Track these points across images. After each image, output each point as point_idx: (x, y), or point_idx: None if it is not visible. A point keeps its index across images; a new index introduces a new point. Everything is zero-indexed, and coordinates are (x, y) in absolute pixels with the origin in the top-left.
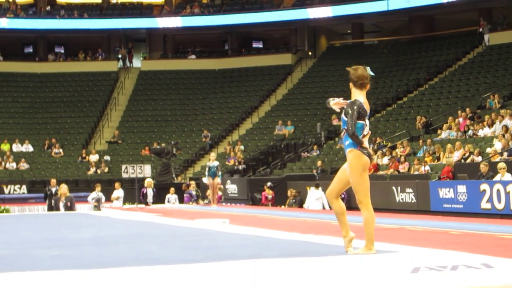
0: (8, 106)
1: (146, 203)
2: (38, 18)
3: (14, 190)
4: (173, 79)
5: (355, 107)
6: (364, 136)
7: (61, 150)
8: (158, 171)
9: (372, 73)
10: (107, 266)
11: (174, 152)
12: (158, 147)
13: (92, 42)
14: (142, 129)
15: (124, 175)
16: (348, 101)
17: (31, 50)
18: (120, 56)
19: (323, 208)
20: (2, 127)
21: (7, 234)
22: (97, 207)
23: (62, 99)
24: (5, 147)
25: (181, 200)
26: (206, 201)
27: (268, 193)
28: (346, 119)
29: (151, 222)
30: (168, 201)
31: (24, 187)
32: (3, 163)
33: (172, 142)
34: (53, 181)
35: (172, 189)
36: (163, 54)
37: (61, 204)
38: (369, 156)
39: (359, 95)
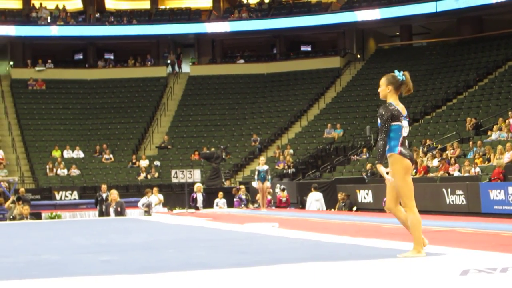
0: (59, 113)
1: (196, 208)
2: (87, 25)
3: (66, 196)
4: (222, 84)
5: (389, 109)
6: (404, 138)
7: (111, 155)
8: (208, 175)
9: (401, 77)
10: (155, 271)
11: (223, 156)
12: (207, 151)
13: (141, 48)
14: (192, 134)
15: (174, 180)
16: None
17: (81, 57)
18: (169, 61)
19: (321, 209)
20: (53, 134)
21: (59, 239)
22: (148, 212)
23: (112, 105)
24: (56, 153)
25: (230, 204)
26: (256, 205)
27: (282, 196)
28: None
29: (201, 226)
30: (217, 205)
31: (75, 193)
32: (54, 170)
33: (222, 147)
34: (104, 186)
35: (220, 194)
36: (211, 59)
37: (111, 210)
38: (411, 158)
39: (391, 98)
